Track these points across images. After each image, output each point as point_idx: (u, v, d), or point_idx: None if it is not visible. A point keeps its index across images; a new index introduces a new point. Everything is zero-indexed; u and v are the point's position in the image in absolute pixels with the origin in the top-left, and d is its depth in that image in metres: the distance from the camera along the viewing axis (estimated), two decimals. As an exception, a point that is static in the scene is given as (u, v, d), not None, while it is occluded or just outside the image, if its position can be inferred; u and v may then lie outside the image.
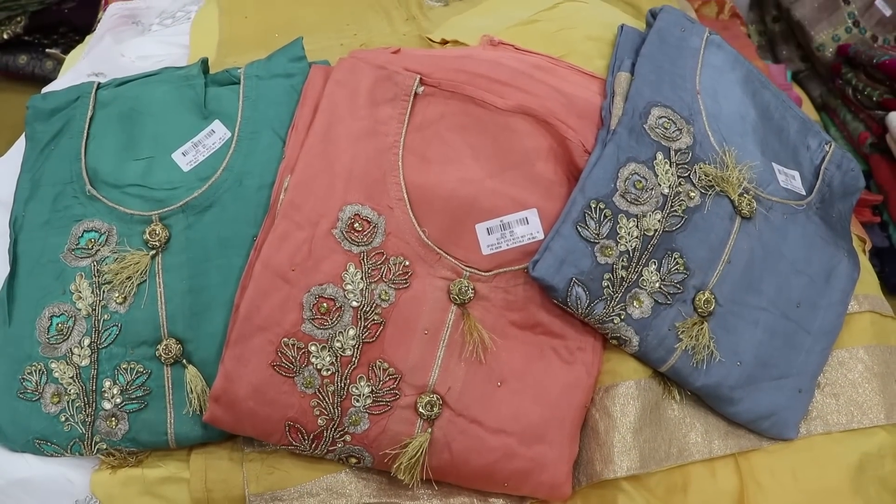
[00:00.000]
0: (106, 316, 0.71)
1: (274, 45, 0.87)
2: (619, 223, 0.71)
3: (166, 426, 0.70)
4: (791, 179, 0.82)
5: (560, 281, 0.68)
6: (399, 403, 0.68)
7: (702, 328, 0.71)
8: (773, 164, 0.81)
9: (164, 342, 0.70)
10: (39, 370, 0.70)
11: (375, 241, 0.71)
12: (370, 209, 0.72)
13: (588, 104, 0.79)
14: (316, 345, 0.68)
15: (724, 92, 0.83)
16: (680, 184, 0.74)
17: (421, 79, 0.78)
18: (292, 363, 0.67)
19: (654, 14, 0.87)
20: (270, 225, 0.71)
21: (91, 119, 0.80)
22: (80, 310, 0.71)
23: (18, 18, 1.51)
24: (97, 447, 0.70)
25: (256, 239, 0.72)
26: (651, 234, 0.72)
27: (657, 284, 0.71)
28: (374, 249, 0.71)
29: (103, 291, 0.72)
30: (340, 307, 0.69)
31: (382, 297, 0.70)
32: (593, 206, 0.71)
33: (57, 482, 0.70)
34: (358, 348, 0.68)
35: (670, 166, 0.74)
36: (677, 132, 0.76)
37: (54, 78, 1.05)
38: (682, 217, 0.73)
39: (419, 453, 0.67)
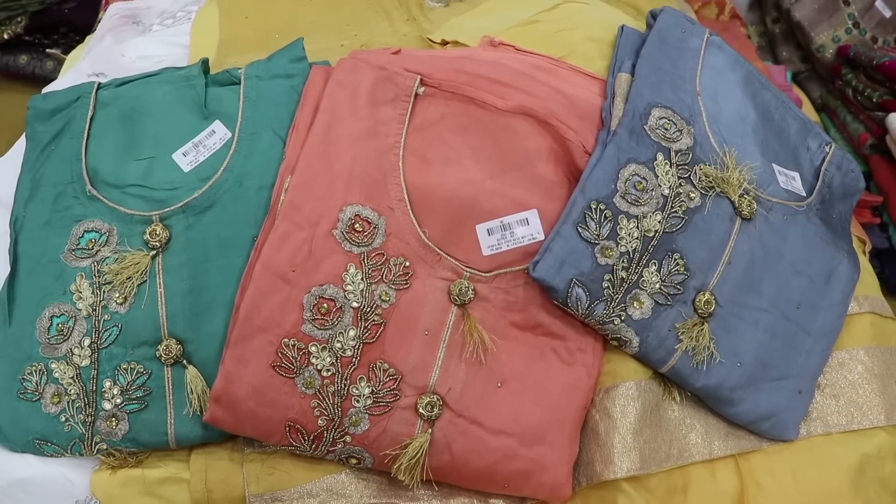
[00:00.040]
0: (106, 316, 0.71)
1: (274, 46, 0.87)
2: (619, 224, 0.71)
3: (166, 426, 0.70)
4: (791, 180, 0.82)
5: (560, 282, 0.68)
6: (399, 404, 0.68)
7: (702, 329, 0.71)
8: (774, 165, 0.81)
9: (165, 342, 0.70)
10: (40, 370, 0.70)
11: (376, 242, 0.71)
12: (370, 210, 0.72)
13: (588, 105, 0.79)
14: (316, 345, 0.68)
15: (725, 93, 0.83)
16: (680, 185, 0.74)
17: (421, 79, 0.78)
18: (292, 364, 0.67)
19: (654, 15, 0.87)
20: (271, 225, 0.71)
21: (91, 119, 0.80)
22: (80, 310, 0.71)
23: (19, 18, 1.51)
24: (97, 447, 0.70)
25: (257, 239, 0.72)
26: (651, 234, 0.72)
27: (657, 285, 0.71)
28: (374, 250, 0.71)
29: (104, 292, 0.72)
30: (341, 308, 0.69)
31: (383, 297, 0.70)
32: (594, 206, 0.71)
33: (57, 482, 0.70)
34: (358, 349, 0.68)
35: (671, 167, 0.74)
36: (678, 133, 0.76)
37: (55, 78, 1.05)
38: (683, 218, 0.73)
39: (419, 454, 0.67)
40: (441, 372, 0.69)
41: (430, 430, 0.68)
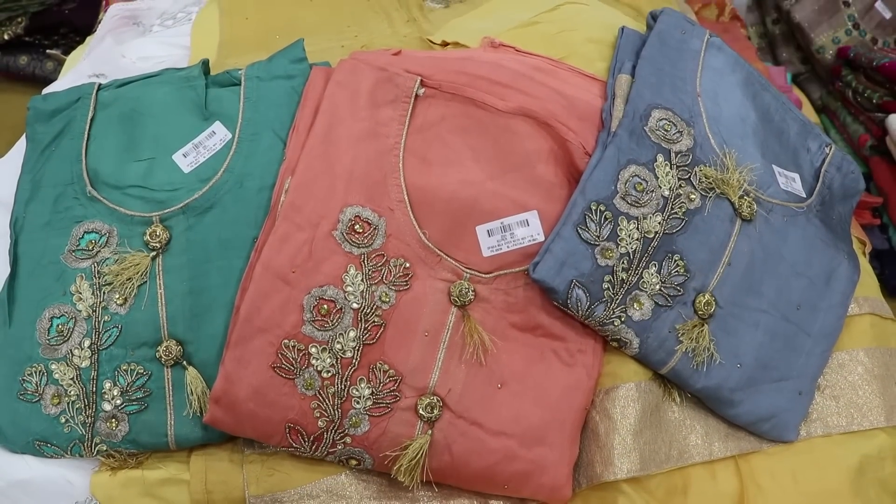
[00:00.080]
0: (106, 317, 0.71)
1: (275, 47, 0.87)
2: (619, 225, 0.71)
3: (166, 427, 0.70)
4: (791, 182, 0.82)
5: (560, 283, 0.68)
6: (399, 405, 0.68)
7: (702, 330, 0.71)
8: (774, 166, 0.81)
9: (165, 343, 0.70)
10: (39, 371, 0.70)
11: (376, 243, 0.71)
12: (371, 211, 0.72)
13: (589, 106, 0.79)
14: (316, 346, 0.68)
15: (725, 94, 0.83)
16: (680, 186, 0.74)
17: (422, 80, 0.78)
18: (293, 365, 0.67)
19: (654, 16, 0.87)
20: (271, 226, 0.71)
21: (92, 120, 0.80)
22: (80, 311, 0.71)
23: (19, 19, 1.51)
24: (97, 448, 0.70)
25: (257, 240, 0.72)
26: (651, 236, 0.72)
27: (657, 286, 0.71)
28: (374, 251, 0.71)
29: (104, 293, 0.72)
30: (341, 309, 0.69)
31: (383, 298, 0.70)
32: (594, 208, 0.71)
33: (57, 483, 0.70)
34: (358, 350, 0.68)
35: (671, 168, 0.74)
36: (678, 134, 0.76)
37: (55, 79, 1.05)
38: (683, 219, 0.73)
39: (419, 455, 0.67)
40: (441, 373, 0.69)
41: (430, 432, 0.68)
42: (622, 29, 0.86)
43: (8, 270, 0.74)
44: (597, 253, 0.70)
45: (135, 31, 1.13)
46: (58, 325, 0.71)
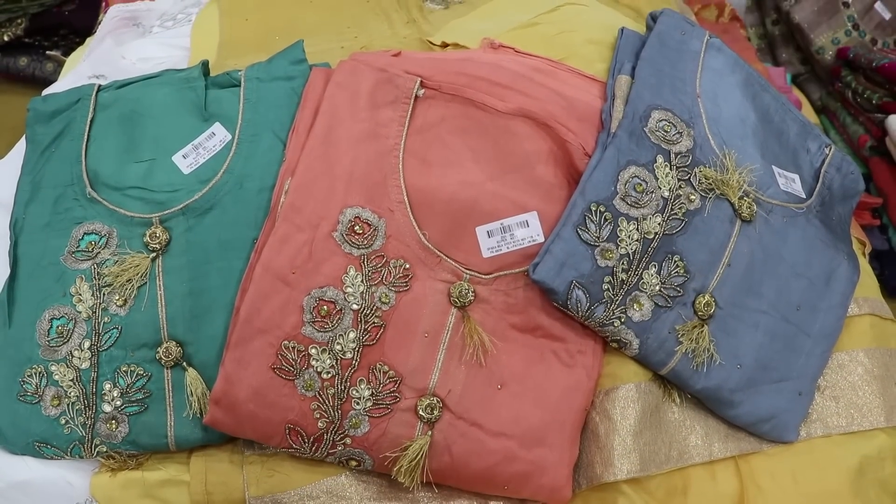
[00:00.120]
0: (106, 318, 0.71)
1: (274, 48, 0.87)
2: (619, 226, 0.71)
3: (166, 429, 0.70)
4: (791, 182, 0.82)
5: (560, 284, 0.68)
6: (399, 406, 0.68)
7: (702, 331, 0.71)
8: (773, 167, 0.82)
9: (165, 345, 0.70)
10: (39, 373, 0.70)
11: (376, 244, 0.71)
12: (370, 212, 0.72)
13: (588, 107, 0.79)
14: (316, 347, 0.68)
15: (725, 95, 0.83)
16: (680, 187, 0.74)
17: (421, 81, 0.78)
18: (292, 366, 0.67)
19: (654, 17, 0.87)
20: (271, 227, 0.71)
21: (92, 121, 0.80)
22: (80, 312, 0.71)
23: (19, 20, 1.51)
24: (97, 450, 0.70)
25: (257, 241, 0.72)
26: (651, 237, 0.72)
27: (657, 287, 0.71)
28: (374, 252, 0.71)
29: (103, 294, 0.72)
30: (341, 310, 0.69)
31: (383, 299, 0.70)
32: (593, 209, 0.71)
33: (57, 485, 0.70)
34: (358, 351, 0.68)
35: (670, 169, 0.74)
36: (677, 135, 0.76)
37: (55, 80, 1.05)
38: (683, 220, 0.73)
39: (419, 456, 0.67)
40: (441, 374, 0.69)
41: (429, 432, 0.68)
42: (622, 30, 0.86)
43: (8, 272, 0.74)
44: (597, 254, 0.70)
45: (134, 32, 1.13)
46: (58, 327, 0.71)
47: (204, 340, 0.71)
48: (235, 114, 0.80)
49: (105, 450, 0.70)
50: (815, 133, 0.87)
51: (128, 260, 0.72)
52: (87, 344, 0.70)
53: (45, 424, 0.70)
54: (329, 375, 0.68)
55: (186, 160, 0.78)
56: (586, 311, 0.69)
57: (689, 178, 0.75)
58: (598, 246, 0.70)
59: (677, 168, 0.75)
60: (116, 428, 0.70)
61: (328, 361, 0.68)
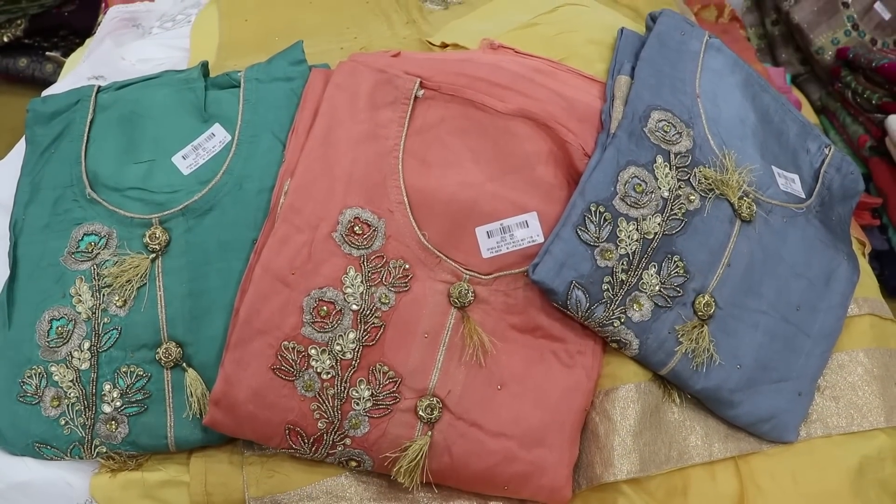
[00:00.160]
0: (106, 319, 0.71)
1: (274, 49, 0.87)
2: (618, 226, 0.71)
3: (166, 429, 0.70)
4: (791, 183, 0.82)
5: (560, 284, 0.68)
6: (399, 407, 0.68)
7: (702, 331, 0.71)
8: (773, 167, 0.82)
9: (164, 345, 0.70)
10: (39, 374, 0.70)
11: (375, 245, 0.71)
12: (370, 212, 0.72)
13: (588, 108, 0.79)
14: (316, 348, 0.68)
15: (724, 95, 0.83)
16: (680, 187, 0.74)
17: (421, 82, 0.78)
18: (292, 367, 0.67)
19: (653, 18, 0.87)
20: (270, 228, 0.71)
21: (91, 122, 0.80)
22: (79, 313, 0.71)
23: (18, 21, 1.51)
24: (97, 450, 0.70)
25: (256, 242, 0.72)
26: (651, 237, 0.72)
27: (657, 288, 0.71)
28: (374, 253, 0.71)
29: (103, 295, 0.72)
30: (340, 310, 0.69)
31: (382, 300, 0.70)
32: (593, 209, 0.71)
33: (56, 486, 0.70)
34: (358, 352, 0.68)
35: (670, 170, 0.74)
36: (677, 136, 0.76)
37: (54, 81, 1.05)
38: (682, 220, 0.73)
39: (419, 457, 0.67)
40: (441, 374, 0.69)
41: (429, 433, 0.68)
42: (621, 30, 0.86)
43: (7, 273, 0.74)
44: (596, 254, 0.70)
45: (134, 33, 1.13)
46: (57, 328, 0.71)
47: (204, 341, 0.71)
48: (235, 115, 0.80)
49: (105, 450, 0.70)
50: (814, 133, 0.87)
51: (127, 261, 0.72)
52: (86, 345, 0.70)
53: (44, 425, 0.70)
54: (329, 376, 0.68)
55: (186, 161, 0.78)
56: (586, 312, 0.69)
57: (689, 178, 0.75)
58: (598, 246, 0.70)
59: (677, 168, 0.75)
60: (116, 429, 0.70)
61: (328, 362, 0.68)
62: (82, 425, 0.70)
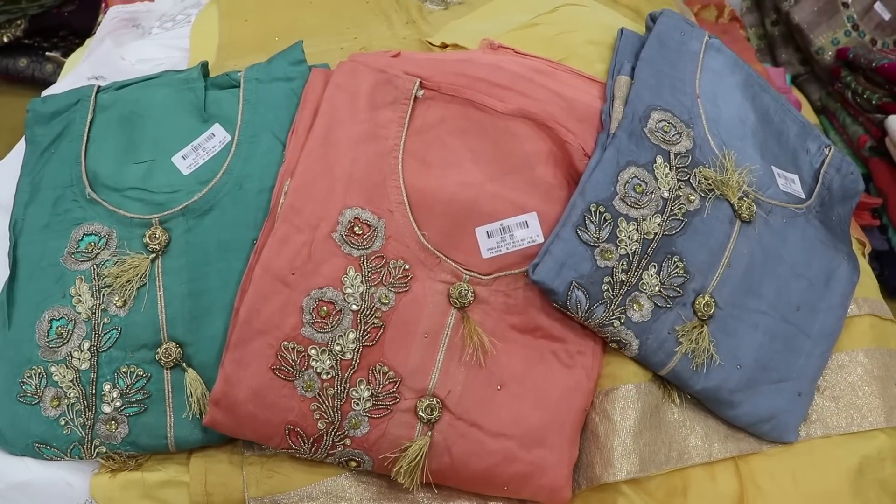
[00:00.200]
0: (106, 319, 0.71)
1: (274, 49, 0.87)
2: (618, 227, 0.71)
3: (166, 430, 0.70)
4: (791, 183, 0.82)
5: (560, 284, 0.68)
6: (399, 407, 0.68)
7: (701, 332, 0.71)
8: (773, 167, 0.82)
9: (164, 346, 0.70)
10: (39, 374, 0.70)
11: (375, 245, 0.71)
12: (370, 213, 0.72)
13: (588, 108, 0.79)
14: (316, 348, 0.68)
15: (724, 96, 0.83)
16: (680, 187, 0.74)
17: (421, 82, 0.78)
18: (292, 367, 0.67)
19: (653, 18, 0.87)
20: (270, 228, 0.71)
21: (91, 122, 0.80)
22: (79, 313, 0.71)
23: (18, 22, 1.51)
24: (97, 451, 0.70)
25: (256, 242, 0.72)
26: (651, 237, 0.72)
27: (657, 288, 0.71)
28: (373, 253, 0.71)
29: (103, 295, 0.72)
30: (340, 311, 0.69)
31: (382, 300, 0.70)
32: (593, 209, 0.71)
33: (56, 486, 0.70)
34: (358, 352, 0.68)
35: (670, 170, 0.74)
36: (677, 136, 0.76)
37: (54, 81, 1.05)
38: (682, 220, 0.73)
39: (419, 457, 0.67)
40: (441, 375, 0.69)
41: (429, 433, 0.68)
42: (621, 30, 0.86)
43: (7, 273, 0.74)
44: (596, 254, 0.70)
45: (134, 33, 1.13)
46: (57, 328, 0.71)
47: (203, 341, 0.71)
48: (235, 115, 0.80)
49: (105, 451, 0.70)
50: (814, 134, 0.87)
51: (127, 261, 0.72)
52: (86, 345, 0.70)
53: (44, 425, 0.70)
54: (329, 376, 0.68)
55: (186, 161, 0.78)
56: (586, 312, 0.69)
57: (689, 178, 0.75)
58: (598, 246, 0.70)
59: (677, 168, 0.75)
60: (116, 429, 0.70)
61: (328, 362, 0.68)
62: (82, 425, 0.70)
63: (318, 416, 0.67)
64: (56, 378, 0.70)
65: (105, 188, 0.76)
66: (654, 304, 0.71)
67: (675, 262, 0.72)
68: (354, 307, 0.69)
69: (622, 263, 0.70)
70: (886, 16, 1.43)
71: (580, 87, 0.81)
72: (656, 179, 0.73)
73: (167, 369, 0.70)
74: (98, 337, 0.71)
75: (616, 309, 0.70)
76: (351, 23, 1.04)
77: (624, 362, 0.73)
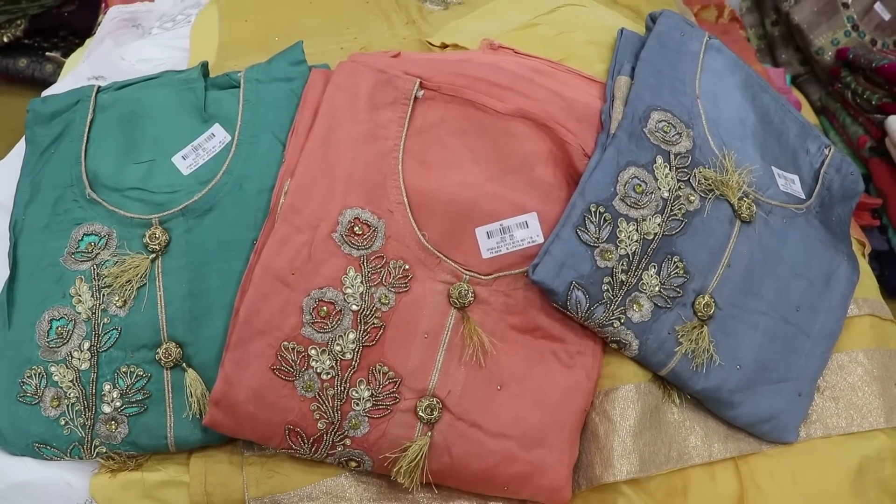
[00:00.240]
0: (106, 319, 0.71)
1: (274, 49, 0.87)
2: (618, 227, 0.71)
3: (166, 430, 0.70)
4: (791, 183, 0.82)
5: (560, 284, 0.68)
6: (399, 407, 0.68)
7: (701, 332, 0.71)
8: (773, 167, 0.82)
9: (164, 346, 0.70)
10: (39, 374, 0.70)
11: (375, 245, 0.71)
12: (370, 213, 0.72)
13: (588, 108, 0.79)
14: (316, 348, 0.68)
15: (724, 96, 0.83)
16: (680, 188, 0.74)
17: (421, 83, 0.78)
18: (292, 367, 0.67)
19: (653, 18, 0.87)
20: (270, 229, 0.71)
21: (91, 122, 0.80)
22: (79, 313, 0.71)
23: (18, 22, 1.51)
24: (97, 451, 0.70)
25: (256, 243, 0.72)
26: (651, 237, 0.72)
27: (657, 288, 0.71)
28: (373, 253, 0.71)
29: (103, 295, 0.72)
30: (340, 311, 0.69)
31: (382, 300, 0.70)
32: (593, 209, 0.71)
33: (56, 486, 0.70)
34: (358, 352, 0.68)
35: (670, 170, 0.74)
36: (677, 136, 0.76)
37: (54, 81, 1.05)
38: (682, 221, 0.73)
39: (419, 457, 0.67)
40: (441, 375, 0.69)
41: (429, 433, 0.68)
42: (621, 31, 0.86)
43: (7, 273, 0.74)
44: (596, 254, 0.70)
45: (134, 33, 1.13)
46: (57, 328, 0.71)
47: (203, 341, 0.71)
48: (235, 115, 0.80)
49: (105, 451, 0.70)
50: (814, 134, 0.87)
51: (127, 261, 0.72)
52: (86, 345, 0.70)
53: (44, 425, 0.70)
54: (329, 376, 0.68)
55: (186, 161, 0.78)
56: (586, 312, 0.69)
57: (689, 178, 0.75)
58: (598, 247, 0.70)
59: (677, 169, 0.75)
60: (116, 429, 0.70)
61: (328, 362, 0.68)
62: (82, 425, 0.70)
63: (318, 417, 0.67)
64: (56, 378, 0.70)
65: (105, 188, 0.76)
66: (654, 304, 0.71)
67: (674, 263, 0.72)
68: (354, 307, 0.69)
69: (622, 264, 0.70)
70: (886, 16, 1.43)
71: (580, 88, 0.81)
72: (656, 180, 0.74)
73: (167, 369, 0.70)
74: (98, 337, 0.71)
75: (616, 309, 0.70)
76: (351, 23, 1.04)
77: (624, 362, 0.73)
